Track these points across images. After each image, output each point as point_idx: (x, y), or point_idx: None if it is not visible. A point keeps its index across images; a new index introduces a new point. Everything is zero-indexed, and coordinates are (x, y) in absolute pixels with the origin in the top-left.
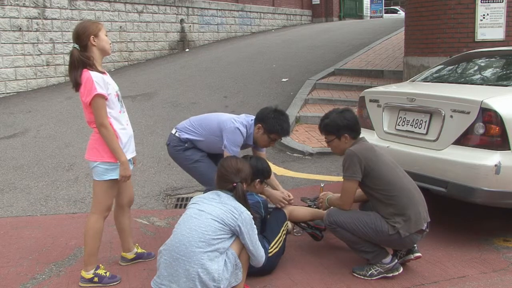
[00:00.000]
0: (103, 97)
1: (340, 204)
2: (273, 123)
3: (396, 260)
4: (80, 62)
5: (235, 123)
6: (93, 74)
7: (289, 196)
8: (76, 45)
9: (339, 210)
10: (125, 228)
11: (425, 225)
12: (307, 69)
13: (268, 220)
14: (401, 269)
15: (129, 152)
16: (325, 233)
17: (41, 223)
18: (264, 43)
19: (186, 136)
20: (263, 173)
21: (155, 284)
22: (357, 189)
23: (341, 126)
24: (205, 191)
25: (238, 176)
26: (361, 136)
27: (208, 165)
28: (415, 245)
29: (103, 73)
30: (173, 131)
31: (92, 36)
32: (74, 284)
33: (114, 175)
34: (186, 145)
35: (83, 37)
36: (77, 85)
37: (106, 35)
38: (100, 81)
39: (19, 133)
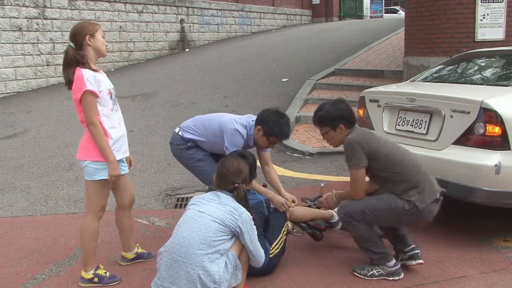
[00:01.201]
0: (93, 94)
1: (352, 195)
2: (272, 126)
3: (399, 265)
4: (74, 60)
5: (235, 124)
6: (85, 72)
7: (293, 201)
8: (72, 44)
9: (352, 201)
10: (127, 228)
11: (439, 194)
12: (307, 69)
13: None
14: (402, 275)
15: (121, 152)
16: (325, 233)
17: (41, 223)
18: (264, 43)
19: (189, 136)
20: (255, 169)
21: (156, 286)
22: (365, 176)
23: (335, 117)
24: (207, 191)
25: (239, 177)
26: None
27: (210, 164)
28: (418, 251)
29: (96, 71)
30: (177, 130)
31: (88, 36)
32: (74, 284)
33: (105, 175)
34: (188, 144)
35: (79, 36)
36: (69, 83)
37: (103, 37)
38: (91, 78)
39: (19, 133)
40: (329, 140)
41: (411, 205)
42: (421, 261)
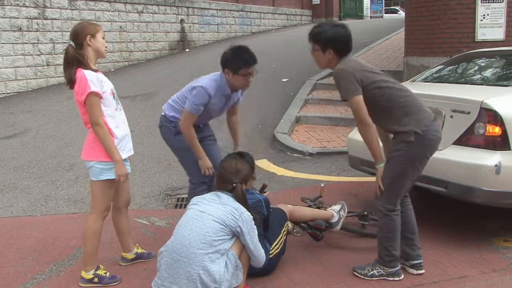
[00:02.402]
0: (97, 95)
1: (360, 126)
2: (235, 61)
3: (399, 266)
4: (75, 59)
5: (201, 82)
6: (87, 73)
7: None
8: (72, 43)
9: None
10: (124, 229)
11: (433, 114)
12: (307, 69)
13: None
14: (402, 276)
15: (126, 151)
16: (325, 233)
17: (41, 223)
18: (264, 43)
19: (172, 113)
20: (253, 169)
21: (156, 285)
22: (363, 103)
23: (329, 39)
24: (189, 188)
25: (238, 177)
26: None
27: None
28: (421, 260)
29: (96, 71)
30: (162, 113)
31: (89, 36)
32: (74, 284)
33: (111, 175)
34: (176, 129)
35: (80, 35)
36: (71, 82)
37: (104, 38)
38: (94, 79)
39: (19, 133)
40: (316, 59)
41: (412, 134)
42: (422, 271)
